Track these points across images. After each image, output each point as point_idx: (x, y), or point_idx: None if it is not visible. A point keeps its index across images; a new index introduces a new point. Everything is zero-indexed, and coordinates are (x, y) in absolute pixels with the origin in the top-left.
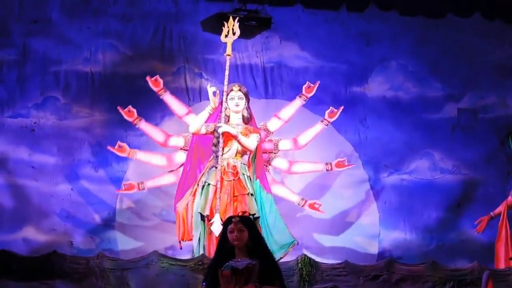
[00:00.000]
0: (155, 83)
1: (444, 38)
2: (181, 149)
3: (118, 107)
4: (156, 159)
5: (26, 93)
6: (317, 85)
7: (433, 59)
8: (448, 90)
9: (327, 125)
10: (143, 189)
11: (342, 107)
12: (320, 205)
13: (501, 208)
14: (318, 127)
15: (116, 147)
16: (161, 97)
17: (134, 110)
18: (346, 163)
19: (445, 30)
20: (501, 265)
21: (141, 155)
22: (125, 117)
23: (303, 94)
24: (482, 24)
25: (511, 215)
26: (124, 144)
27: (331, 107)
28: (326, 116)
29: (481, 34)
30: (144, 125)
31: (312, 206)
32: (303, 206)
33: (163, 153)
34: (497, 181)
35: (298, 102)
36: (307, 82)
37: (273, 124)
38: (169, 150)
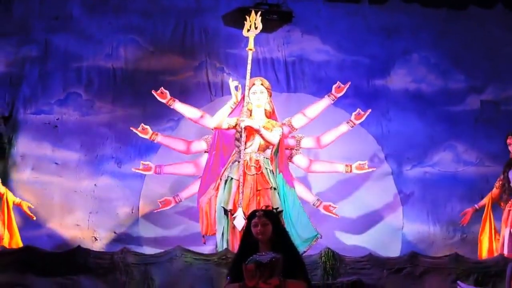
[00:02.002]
0: (161, 95)
1: (466, 30)
2: (205, 151)
3: (132, 128)
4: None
5: (48, 90)
6: (347, 86)
7: (456, 51)
8: (470, 82)
9: (352, 126)
10: (180, 201)
11: (369, 110)
12: (335, 207)
13: (485, 201)
14: (343, 128)
15: (139, 128)
16: (171, 107)
17: (148, 127)
18: (366, 166)
19: (467, 22)
20: (485, 256)
21: (162, 139)
22: (140, 135)
23: (332, 94)
24: (504, 15)
25: (496, 207)
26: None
27: (358, 109)
28: (352, 118)
29: (503, 26)
30: (162, 138)
31: (327, 208)
32: (318, 207)
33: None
34: None
35: (326, 101)
36: (338, 82)
37: (298, 121)
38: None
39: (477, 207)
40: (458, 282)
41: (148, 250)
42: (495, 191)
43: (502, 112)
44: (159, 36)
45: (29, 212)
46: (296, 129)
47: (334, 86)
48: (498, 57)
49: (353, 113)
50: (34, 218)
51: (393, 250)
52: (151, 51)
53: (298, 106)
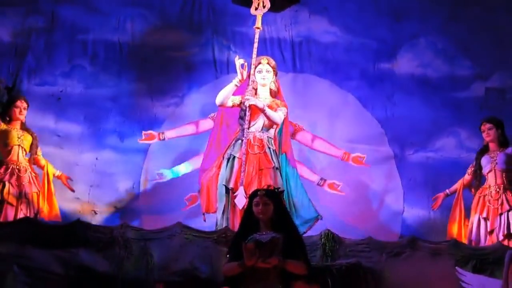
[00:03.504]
0: (149, 138)
1: (474, 16)
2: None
3: (139, 140)
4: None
5: (53, 61)
6: (364, 165)
7: (463, 37)
8: (477, 68)
9: (343, 159)
10: (163, 139)
11: (365, 156)
12: (340, 185)
13: (457, 186)
14: (338, 153)
15: (143, 137)
16: (165, 139)
17: (150, 131)
18: (364, 162)
19: (476, 8)
20: None
21: (171, 134)
22: (148, 142)
23: (349, 156)
24: None
25: (467, 194)
26: (149, 131)
27: (364, 157)
28: (352, 155)
29: (511, 12)
30: (170, 133)
31: (331, 186)
32: (322, 185)
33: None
34: None
35: (338, 154)
36: (364, 157)
37: (303, 137)
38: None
39: (448, 192)
40: (457, 268)
41: (148, 225)
42: (467, 177)
43: (507, 100)
44: (166, 12)
45: (68, 185)
46: (294, 139)
47: (356, 154)
48: (505, 45)
49: (357, 154)
50: (74, 191)
51: (393, 234)
52: (158, 26)
53: (303, 87)
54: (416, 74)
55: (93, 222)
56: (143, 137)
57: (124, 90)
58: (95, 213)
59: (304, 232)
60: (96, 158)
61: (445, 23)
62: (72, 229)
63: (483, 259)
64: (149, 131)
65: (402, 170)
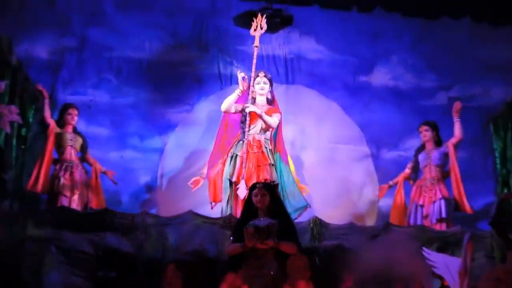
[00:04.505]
0: (197, 182)
1: (439, 37)
2: None
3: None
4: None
5: (84, 75)
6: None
7: (429, 55)
8: (441, 81)
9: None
10: (206, 177)
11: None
12: (307, 192)
13: (398, 178)
14: None
15: (193, 188)
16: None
17: (194, 179)
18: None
19: (440, 30)
20: None
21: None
22: (197, 186)
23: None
24: (471, 26)
25: (406, 185)
26: (193, 179)
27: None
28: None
29: (470, 35)
30: (205, 170)
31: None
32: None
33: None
34: (479, 160)
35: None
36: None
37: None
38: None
39: (391, 183)
40: (423, 248)
41: (164, 213)
42: (407, 171)
43: (465, 108)
44: (179, 33)
45: (113, 180)
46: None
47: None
48: (464, 61)
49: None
50: (116, 184)
51: (370, 220)
52: (172, 45)
53: (295, 96)
54: (389, 86)
55: (119, 210)
56: (193, 187)
57: (143, 99)
58: (120, 202)
59: (295, 218)
60: (121, 156)
61: (414, 42)
62: (100, 216)
63: (445, 241)
64: (193, 180)
65: (378, 166)
